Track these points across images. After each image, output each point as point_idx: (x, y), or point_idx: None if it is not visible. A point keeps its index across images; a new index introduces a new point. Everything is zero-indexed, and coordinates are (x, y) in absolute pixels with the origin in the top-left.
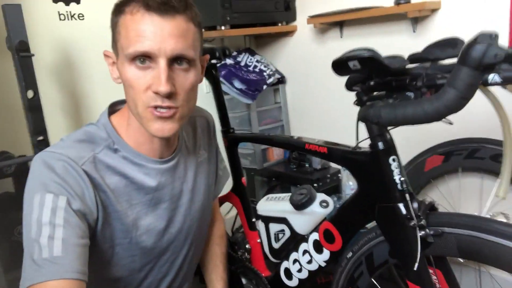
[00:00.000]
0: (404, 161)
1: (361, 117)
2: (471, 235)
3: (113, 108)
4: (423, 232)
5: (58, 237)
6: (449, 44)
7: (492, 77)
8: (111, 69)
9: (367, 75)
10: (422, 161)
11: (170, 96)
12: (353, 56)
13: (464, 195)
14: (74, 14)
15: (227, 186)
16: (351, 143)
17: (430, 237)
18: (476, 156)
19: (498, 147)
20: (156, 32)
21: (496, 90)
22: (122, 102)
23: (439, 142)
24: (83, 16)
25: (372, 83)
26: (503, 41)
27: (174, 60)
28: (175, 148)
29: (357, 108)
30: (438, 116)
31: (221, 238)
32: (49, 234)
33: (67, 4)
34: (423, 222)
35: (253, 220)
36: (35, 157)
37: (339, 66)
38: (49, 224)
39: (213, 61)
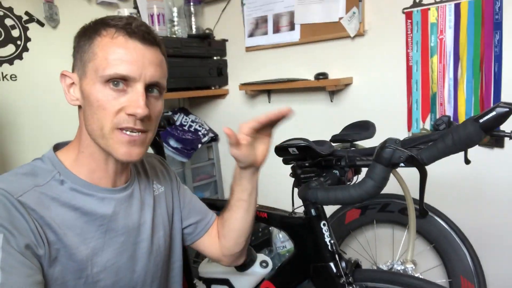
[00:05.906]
0: (327, 214)
1: (301, 197)
2: None
3: (57, 148)
4: None
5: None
6: (363, 127)
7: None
8: (69, 90)
9: (302, 158)
10: (343, 215)
11: (143, 119)
12: (292, 145)
13: (379, 244)
14: (7, 75)
15: None
16: (278, 199)
17: None
18: (387, 210)
19: (404, 202)
20: (138, 58)
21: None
22: (65, 143)
23: None
24: (15, 77)
25: (306, 164)
26: (402, 111)
27: (148, 87)
28: (128, 178)
29: (288, 174)
30: (361, 200)
31: None
32: None
33: None
34: (350, 279)
35: (194, 282)
36: None
37: (281, 151)
38: None
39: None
